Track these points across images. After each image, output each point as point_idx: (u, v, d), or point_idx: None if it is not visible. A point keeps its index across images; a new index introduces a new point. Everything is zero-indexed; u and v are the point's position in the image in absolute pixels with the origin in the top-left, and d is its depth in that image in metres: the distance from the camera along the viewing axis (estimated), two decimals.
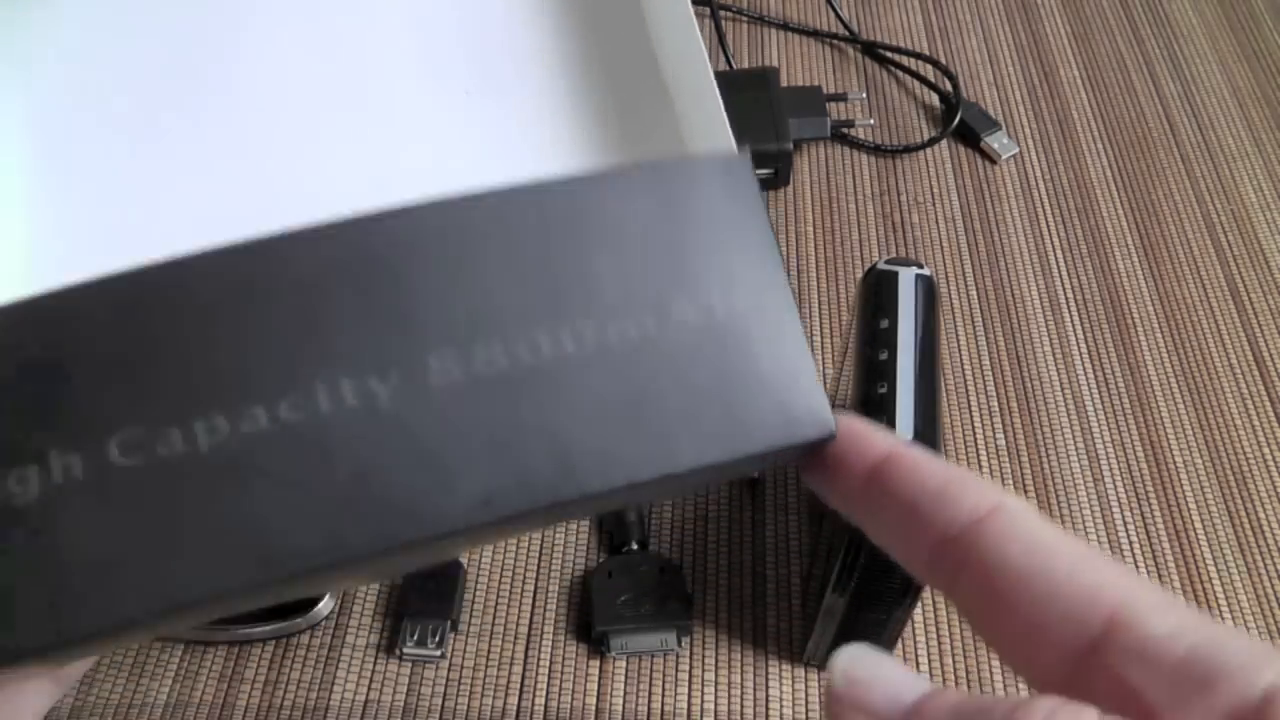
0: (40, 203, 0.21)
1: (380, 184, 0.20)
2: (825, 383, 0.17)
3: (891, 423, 0.30)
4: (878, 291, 0.33)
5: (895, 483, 0.17)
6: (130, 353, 0.16)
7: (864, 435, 0.17)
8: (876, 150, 0.52)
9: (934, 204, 0.51)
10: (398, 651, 0.36)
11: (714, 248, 0.17)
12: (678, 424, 0.16)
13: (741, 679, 0.36)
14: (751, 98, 0.50)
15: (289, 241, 0.16)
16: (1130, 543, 0.40)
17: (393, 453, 0.16)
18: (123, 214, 0.21)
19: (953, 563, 0.16)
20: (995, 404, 0.44)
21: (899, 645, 0.36)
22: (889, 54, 0.56)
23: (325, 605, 0.37)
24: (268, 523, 0.15)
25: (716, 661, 0.37)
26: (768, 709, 0.36)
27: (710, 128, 0.20)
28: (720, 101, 0.19)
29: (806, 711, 0.36)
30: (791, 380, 0.17)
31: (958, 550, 0.16)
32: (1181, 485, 0.41)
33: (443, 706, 0.35)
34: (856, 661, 0.15)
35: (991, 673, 0.37)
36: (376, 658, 0.36)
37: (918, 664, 0.37)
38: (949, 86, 0.54)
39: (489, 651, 0.37)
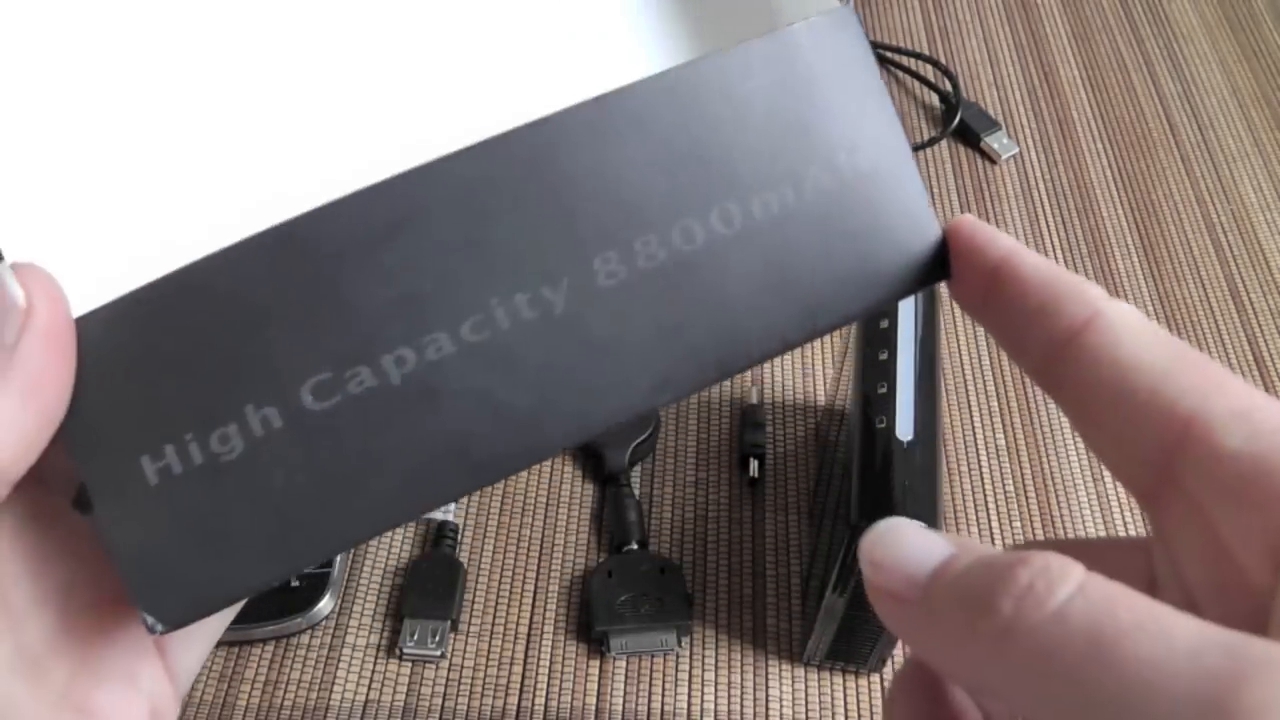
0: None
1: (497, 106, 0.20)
2: (940, 229, 0.18)
3: (892, 422, 0.30)
4: None
5: (1005, 293, 0.17)
6: (303, 301, 0.16)
7: (980, 246, 0.17)
8: None
9: (934, 204, 0.51)
10: (398, 651, 0.36)
11: (834, 108, 0.18)
12: (821, 285, 0.18)
13: (741, 679, 0.36)
14: None
15: (437, 169, 0.17)
16: None
17: (574, 353, 0.17)
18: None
19: (1054, 375, 0.16)
20: (995, 404, 0.44)
21: (899, 645, 0.36)
22: (889, 54, 0.56)
23: (325, 605, 0.37)
24: (469, 437, 0.16)
25: (716, 661, 0.37)
26: (768, 709, 0.36)
27: None
28: None
29: (806, 711, 0.36)
30: (913, 226, 0.18)
31: (1058, 364, 0.16)
32: None
33: (443, 706, 0.35)
34: (878, 544, 0.15)
35: None
36: (376, 658, 0.36)
37: None
38: (949, 86, 0.54)
39: (489, 651, 0.37)
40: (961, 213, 0.50)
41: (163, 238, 0.19)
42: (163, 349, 0.16)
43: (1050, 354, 0.16)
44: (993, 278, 0.17)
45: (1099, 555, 0.17)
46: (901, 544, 0.15)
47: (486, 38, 0.21)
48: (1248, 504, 0.13)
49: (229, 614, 0.20)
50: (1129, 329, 0.16)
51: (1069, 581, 0.12)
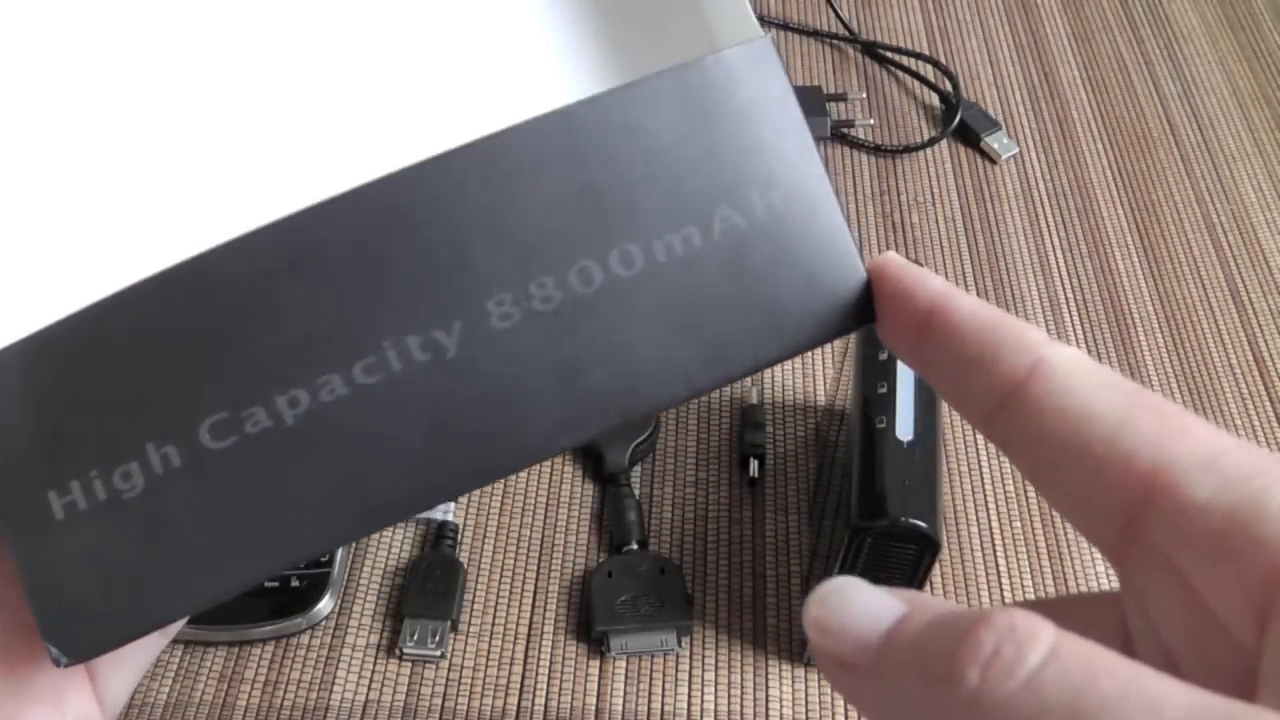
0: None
1: (404, 137, 0.20)
2: (863, 256, 0.17)
3: (891, 422, 0.30)
4: None
5: (938, 341, 0.16)
6: (201, 342, 0.16)
7: (908, 289, 0.16)
8: (876, 150, 0.52)
9: (934, 204, 0.51)
10: (398, 651, 0.36)
11: (747, 144, 0.17)
12: (730, 329, 0.17)
13: (741, 679, 0.36)
14: None
15: (331, 210, 0.17)
16: None
17: (466, 397, 0.16)
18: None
19: (1001, 430, 0.15)
20: None
21: None
22: (889, 54, 0.56)
23: (325, 605, 0.37)
24: (362, 481, 0.16)
25: (716, 661, 0.37)
26: (768, 709, 0.36)
27: (729, 14, 0.20)
28: None
29: (806, 711, 0.36)
30: (834, 268, 0.17)
31: (1003, 417, 0.15)
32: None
33: (443, 706, 0.35)
34: (823, 605, 0.14)
35: None
36: (376, 658, 0.36)
37: None
38: (949, 86, 0.54)
39: (489, 651, 0.37)
40: (962, 213, 0.50)
41: (64, 276, 0.19)
42: (69, 387, 0.16)
43: (994, 407, 0.15)
44: (924, 324, 0.16)
45: (1066, 612, 0.16)
46: (849, 604, 0.14)
47: (409, 65, 0.21)
48: (1224, 560, 0.13)
49: (158, 641, 0.20)
50: (1076, 375, 0.15)
51: (1040, 644, 0.11)
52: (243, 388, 0.16)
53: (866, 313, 0.17)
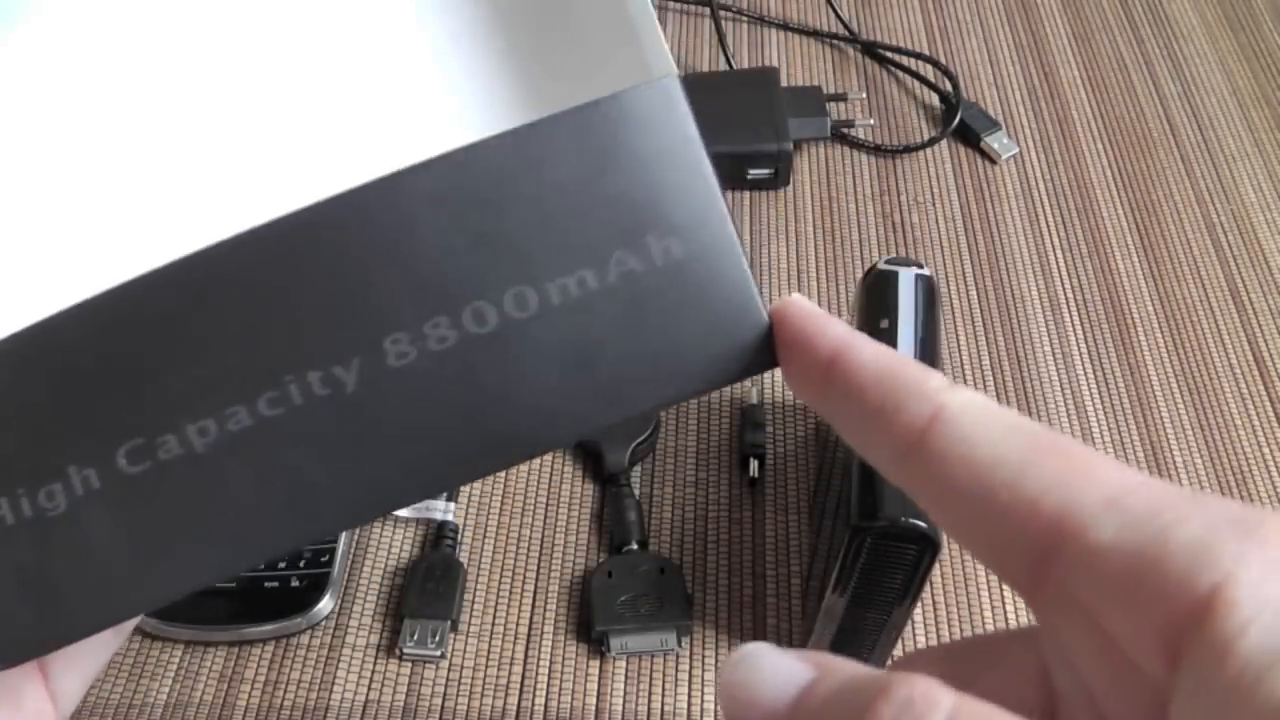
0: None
1: (313, 168, 0.20)
2: (766, 305, 0.17)
3: None
4: (878, 291, 0.33)
5: (840, 390, 0.16)
6: (120, 369, 0.17)
7: (810, 336, 0.16)
8: (876, 150, 0.52)
9: (934, 204, 0.51)
10: (398, 651, 0.36)
11: (646, 189, 0.17)
12: (624, 373, 0.17)
13: None
14: (751, 98, 0.50)
15: (237, 247, 0.17)
16: None
17: (364, 433, 0.17)
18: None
19: (908, 479, 0.15)
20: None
21: (899, 645, 0.36)
22: (889, 54, 0.56)
23: (325, 605, 0.37)
24: (266, 511, 0.17)
25: (716, 661, 0.37)
26: None
27: (648, 51, 0.19)
28: (654, 20, 0.19)
29: None
30: (732, 310, 0.17)
31: (909, 468, 0.15)
32: (1181, 485, 0.41)
33: (443, 706, 0.35)
34: (733, 672, 0.14)
35: None
36: (376, 658, 0.36)
37: None
38: (949, 86, 0.54)
39: (489, 651, 0.37)
40: (962, 213, 0.50)
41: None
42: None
43: (899, 458, 0.15)
44: (826, 371, 0.16)
45: (989, 654, 0.16)
46: (757, 671, 0.14)
47: (322, 101, 0.21)
48: (1132, 601, 0.13)
49: (113, 640, 0.21)
50: (976, 421, 0.15)
51: (937, 714, 0.12)
52: (156, 416, 0.17)
53: (768, 358, 0.17)
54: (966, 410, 0.15)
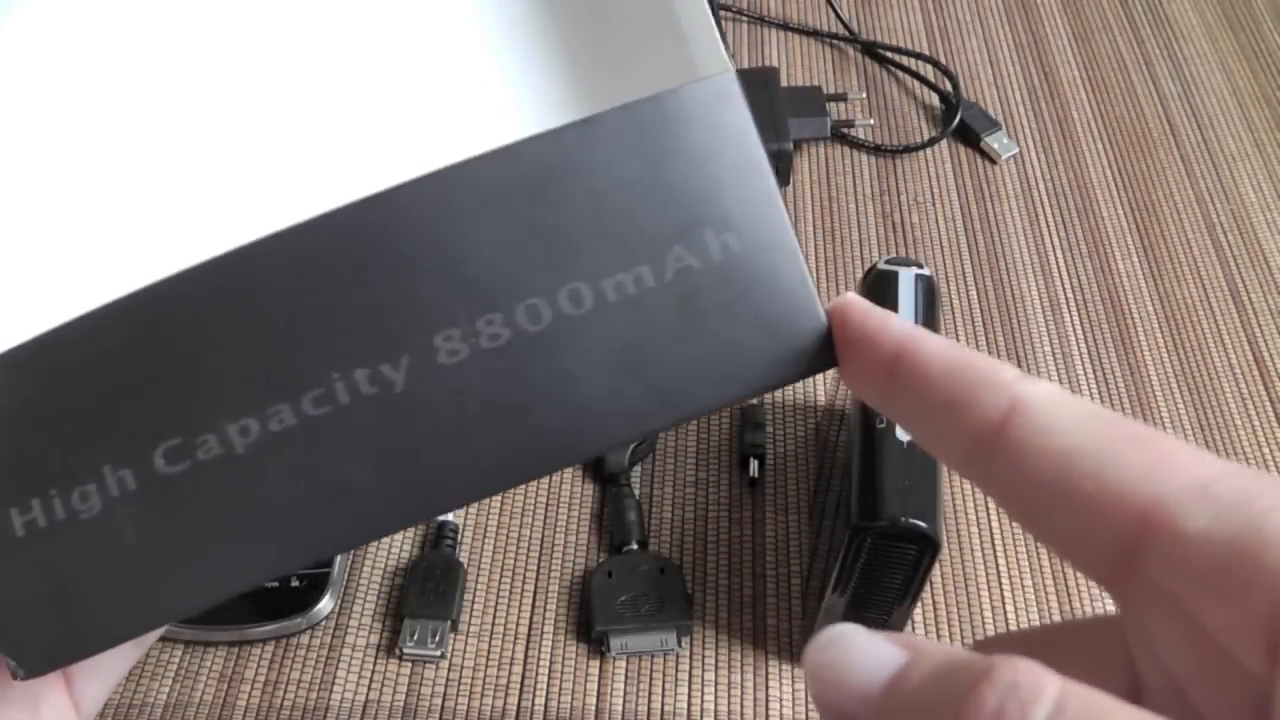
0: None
1: (379, 157, 0.20)
2: (823, 304, 0.17)
3: (891, 422, 0.30)
4: (878, 291, 0.33)
5: (908, 387, 0.15)
6: (157, 368, 0.17)
7: (872, 334, 0.16)
8: (876, 150, 0.52)
9: (934, 204, 0.51)
10: (398, 651, 0.36)
11: (703, 185, 0.17)
12: (682, 372, 0.17)
13: (741, 679, 0.36)
14: (751, 98, 0.50)
15: (283, 241, 0.17)
16: None
17: (414, 432, 0.16)
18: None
19: (983, 473, 0.15)
20: None
21: None
22: (889, 54, 0.56)
23: (325, 605, 0.37)
24: (309, 511, 0.16)
25: (716, 661, 0.37)
26: (768, 709, 0.36)
27: (700, 48, 0.19)
28: (710, 18, 0.18)
29: (806, 712, 0.36)
30: (792, 312, 0.17)
31: (984, 461, 0.15)
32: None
33: (443, 706, 0.35)
34: (822, 655, 0.14)
35: None
36: (376, 658, 0.36)
37: None
38: (949, 86, 0.54)
39: (489, 651, 0.37)
40: (962, 213, 0.50)
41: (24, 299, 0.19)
42: (31, 407, 0.17)
43: (973, 451, 0.15)
44: (890, 369, 0.16)
45: (1072, 643, 0.16)
46: (849, 654, 0.13)
47: (373, 94, 0.20)
48: (1228, 591, 0.12)
49: (134, 651, 0.20)
50: (1055, 413, 0.14)
51: (1045, 701, 0.11)
52: (196, 415, 0.17)
53: (827, 359, 0.17)
54: (1044, 400, 0.14)
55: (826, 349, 0.17)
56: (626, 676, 0.36)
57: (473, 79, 0.20)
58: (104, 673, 0.19)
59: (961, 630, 0.37)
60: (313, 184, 0.19)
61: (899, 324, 0.16)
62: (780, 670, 0.36)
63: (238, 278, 0.17)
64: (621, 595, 0.37)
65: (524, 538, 0.39)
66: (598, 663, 0.36)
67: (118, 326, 0.17)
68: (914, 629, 0.37)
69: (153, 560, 0.16)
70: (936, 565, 0.32)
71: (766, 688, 0.36)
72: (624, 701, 0.36)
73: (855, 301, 0.17)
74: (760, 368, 0.17)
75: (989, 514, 0.40)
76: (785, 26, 0.58)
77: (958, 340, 0.45)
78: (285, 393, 0.16)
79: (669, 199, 0.17)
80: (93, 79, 0.21)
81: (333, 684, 0.36)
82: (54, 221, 0.20)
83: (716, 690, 0.36)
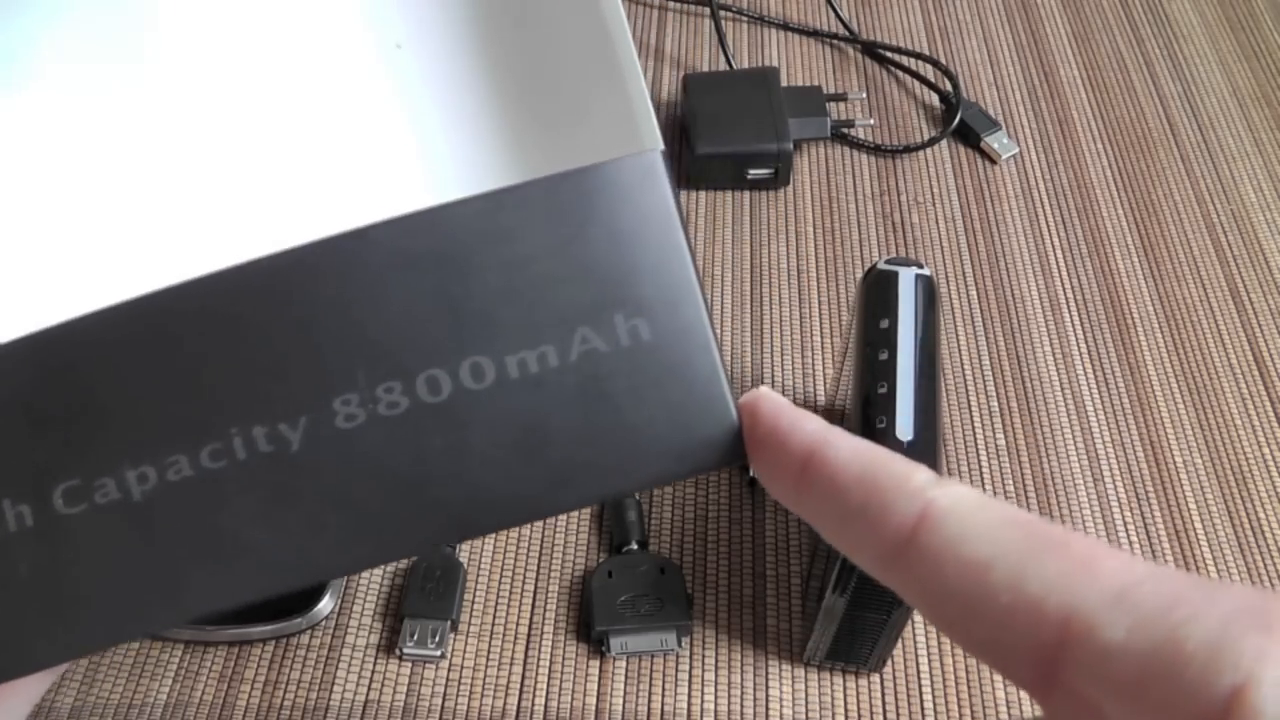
0: None
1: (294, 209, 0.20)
2: (736, 398, 0.17)
3: (892, 423, 0.30)
4: (878, 291, 0.33)
5: (819, 490, 0.15)
6: (60, 408, 0.17)
7: (783, 434, 0.16)
8: (876, 150, 0.52)
9: (934, 204, 0.51)
10: (398, 651, 0.36)
11: (618, 266, 0.17)
12: (577, 458, 0.16)
13: (741, 679, 0.36)
14: (751, 98, 0.50)
15: (192, 291, 0.17)
16: (1130, 543, 0.40)
17: (304, 495, 0.16)
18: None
19: (897, 580, 0.15)
20: (995, 404, 0.44)
21: (899, 645, 0.36)
22: (889, 54, 0.56)
23: (325, 605, 0.37)
24: (194, 566, 0.16)
25: (716, 661, 0.37)
26: (768, 709, 0.36)
27: (626, 121, 0.18)
28: (643, 90, 0.18)
29: (806, 711, 0.36)
30: (699, 405, 0.17)
31: (896, 570, 0.14)
32: (1181, 485, 0.41)
33: (443, 706, 0.35)
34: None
35: (994, 673, 0.37)
36: (376, 658, 0.36)
37: (918, 664, 0.37)
38: (949, 86, 0.54)
39: (489, 651, 0.37)
40: (962, 213, 0.50)
41: None
42: None
43: (886, 559, 0.14)
44: (802, 471, 0.15)
45: None
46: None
47: (296, 152, 0.20)
48: (1148, 704, 0.12)
49: (47, 677, 0.20)
50: (968, 520, 0.14)
51: None
52: (96, 458, 0.16)
53: (735, 454, 0.16)
54: (956, 506, 0.14)
55: (736, 444, 0.17)
56: (626, 676, 0.36)
57: (397, 139, 0.20)
58: (15, 700, 0.19)
59: None
60: (223, 242, 0.19)
61: (811, 425, 0.16)
62: (780, 670, 0.36)
63: (146, 324, 0.17)
64: (621, 595, 0.37)
65: (524, 538, 0.39)
66: (598, 663, 0.36)
67: (26, 365, 0.17)
68: (914, 629, 0.37)
69: (45, 599, 0.16)
70: None
71: (766, 688, 0.36)
72: (624, 701, 0.36)
73: (767, 399, 0.16)
74: (665, 458, 0.16)
75: None
76: (785, 26, 0.58)
77: (958, 340, 0.45)
78: (184, 443, 0.16)
79: (581, 278, 0.16)
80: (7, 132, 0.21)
81: (333, 684, 0.36)
82: None
83: (716, 690, 0.36)
